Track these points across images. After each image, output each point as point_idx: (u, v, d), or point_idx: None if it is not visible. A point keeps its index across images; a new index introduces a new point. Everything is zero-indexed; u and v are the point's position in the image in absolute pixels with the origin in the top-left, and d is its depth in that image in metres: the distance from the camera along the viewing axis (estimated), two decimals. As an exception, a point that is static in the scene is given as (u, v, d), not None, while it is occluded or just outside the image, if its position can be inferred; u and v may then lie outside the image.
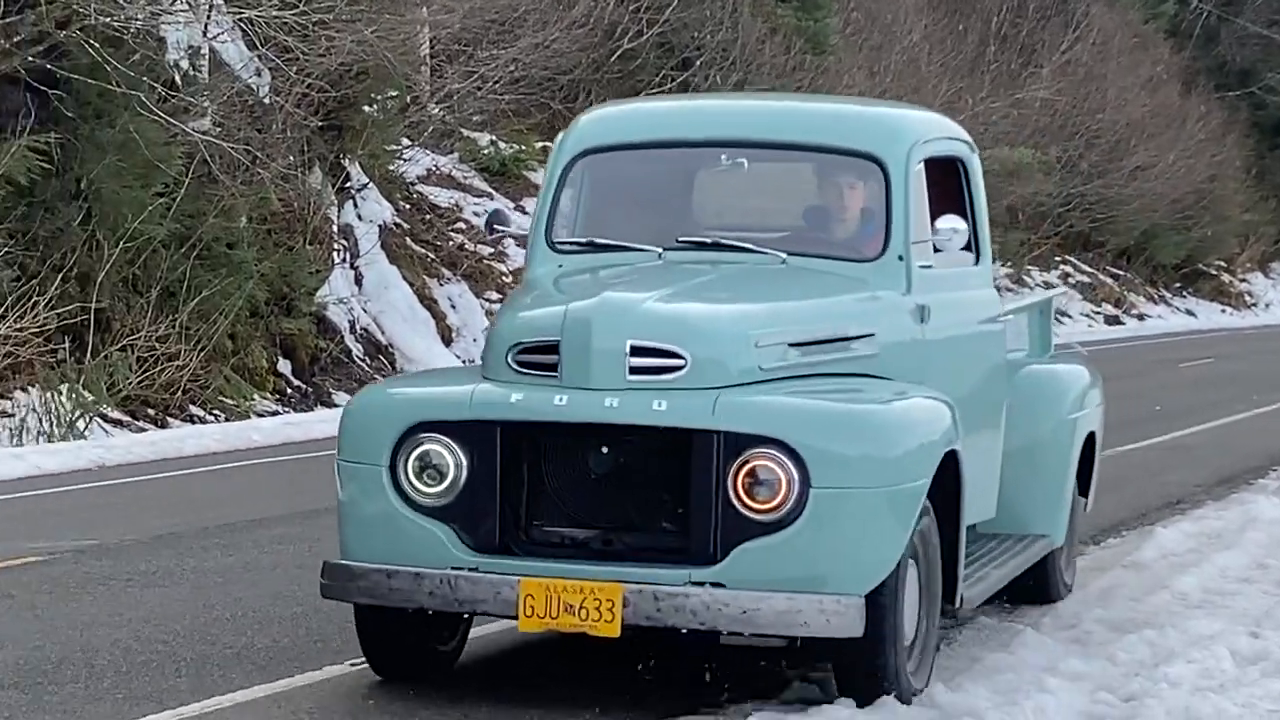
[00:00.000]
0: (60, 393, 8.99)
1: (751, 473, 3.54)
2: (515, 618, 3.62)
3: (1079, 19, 26.25)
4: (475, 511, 3.71)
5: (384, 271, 12.04)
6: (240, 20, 9.83)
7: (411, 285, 12.37)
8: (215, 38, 9.92)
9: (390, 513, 3.74)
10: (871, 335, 4.10)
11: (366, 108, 11.61)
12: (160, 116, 8.96)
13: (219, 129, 9.42)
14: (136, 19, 9.07)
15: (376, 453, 3.74)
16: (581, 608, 3.54)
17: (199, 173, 9.46)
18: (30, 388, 9.14)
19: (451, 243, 13.98)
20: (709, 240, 4.45)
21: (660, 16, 15.51)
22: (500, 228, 5.50)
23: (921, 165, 4.38)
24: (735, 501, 3.55)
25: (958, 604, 4.09)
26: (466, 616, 3.90)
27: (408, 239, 13.16)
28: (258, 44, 9.96)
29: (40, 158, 8.74)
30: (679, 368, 3.67)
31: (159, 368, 9.67)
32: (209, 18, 9.87)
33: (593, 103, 11.57)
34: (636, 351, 3.65)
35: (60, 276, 9.12)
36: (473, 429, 3.69)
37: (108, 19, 8.78)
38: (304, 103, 10.48)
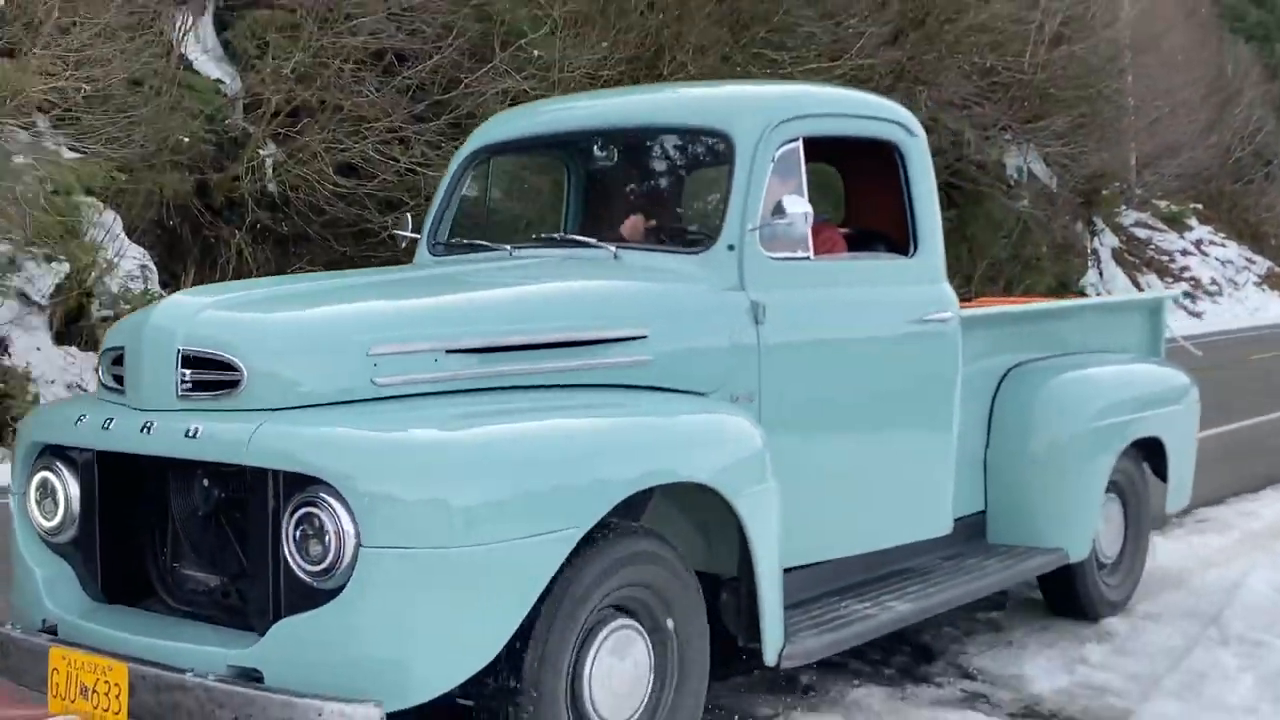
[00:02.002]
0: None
1: (305, 522, 2.67)
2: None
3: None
4: (86, 551, 3.08)
5: (1112, 273, 21.63)
6: (1045, 152, 19.83)
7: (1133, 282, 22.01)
8: (1028, 162, 20.15)
9: (19, 551, 3.15)
10: (642, 338, 3.27)
11: (1104, 190, 21.61)
12: (1005, 201, 19.21)
13: (1032, 205, 19.54)
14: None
15: (18, 478, 3.19)
16: (94, 691, 2.74)
17: (1023, 228, 19.56)
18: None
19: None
20: (557, 236, 4.10)
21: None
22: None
23: (793, 146, 3.63)
24: (291, 561, 2.69)
25: (774, 662, 3.26)
26: None
27: (1125, 254, 22.83)
28: (1045, 163, 20.02)
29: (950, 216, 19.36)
30: (235, 383, 2.81)
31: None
32: (1028, 149, 19.96)
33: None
34: (189, 362, 2.84)
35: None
36: (75, 453, 3.07)
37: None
38: (1075, 190, 20.33)
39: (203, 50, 10.10)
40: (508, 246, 3.92)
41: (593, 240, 3.81)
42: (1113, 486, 4.86)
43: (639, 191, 4.45)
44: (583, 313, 3.33)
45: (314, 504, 2.68)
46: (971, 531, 4.54)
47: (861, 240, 4.24)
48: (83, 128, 9.48)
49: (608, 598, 2.96)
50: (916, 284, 4.05)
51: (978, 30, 15.43)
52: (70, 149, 9.40)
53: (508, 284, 3.54)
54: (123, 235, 9.46)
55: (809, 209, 3.49)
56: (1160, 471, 5.12)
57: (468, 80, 10.96)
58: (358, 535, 2.62)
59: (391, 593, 2.62)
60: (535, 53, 10.88)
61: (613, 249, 3.73)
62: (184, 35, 9.95)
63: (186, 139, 9.71)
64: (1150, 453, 5.06)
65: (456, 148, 11.45)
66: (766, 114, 3.72)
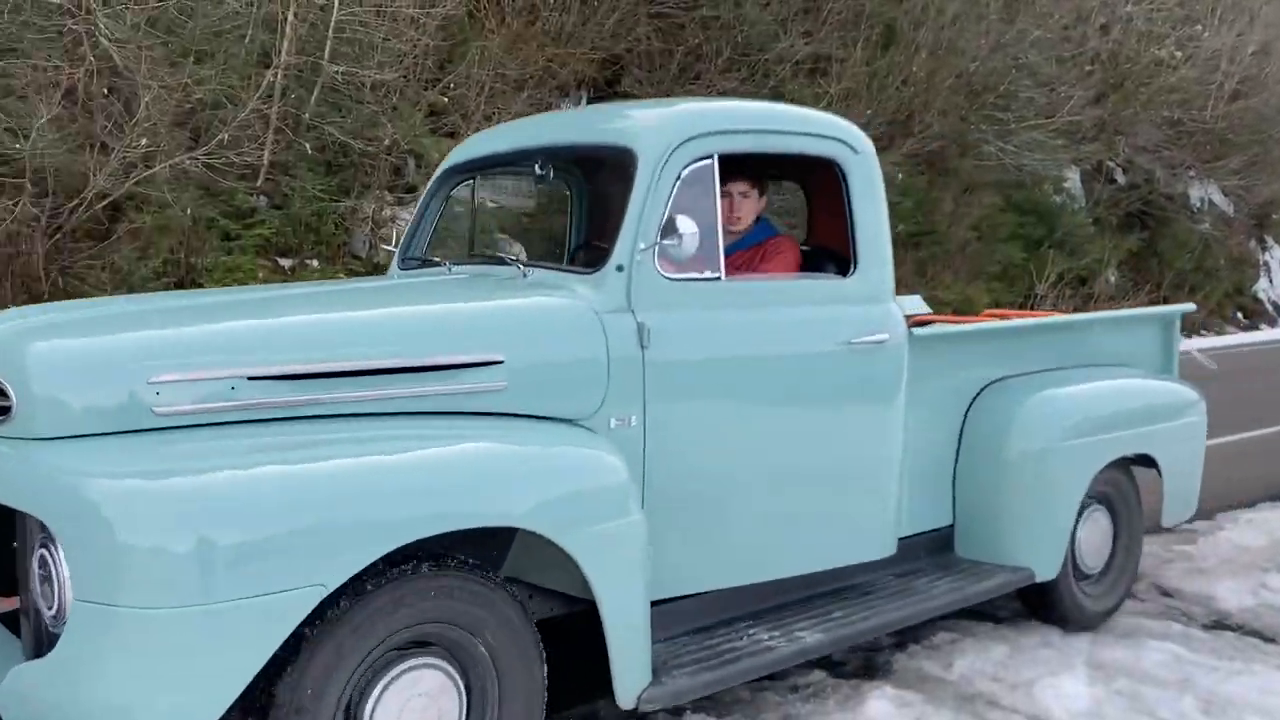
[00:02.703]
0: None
1: (42, 564, 2.57)
2: None
3: None
4: None
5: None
6: (1223, 185, 22.06)
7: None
8: (1209, 193, 22.51)
9: None
10: (495, 363, 3.10)
11: (1274, 215, 23.48)
12: (1189, 224, 21.45)
13: (1212, 227, 21.74)
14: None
15: None
16: None
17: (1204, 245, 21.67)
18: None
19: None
20: (483, 254, 4.13)
21: None
22: None
23: (704, 164, 3.49)
24: (38, 602, 2.61)
25: (631, 706, 3.11)
26: None
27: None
28: (1223, 194, 22.30)
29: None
30: (6, 410, 2.70)
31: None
32: (1208, 183, 22.19)
33: None
34: None
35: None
36: None
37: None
38: (1249, 215, 22.38)
39: (578, 124, 13.60)
40: (448, 263, 3.98)
41: (510, 257, 3.81)
42: (1100, 498, 4.81)
43: (569, 210, 4.50)
44: (424, 337, 3.10)
45: (46, 546, 2.57)
46: (940, 545, 4.47)
47: (815, 258, 4.16)
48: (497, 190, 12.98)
49: (395, 636, 2.75)
50: (851, 304, 3.89)
51: (1168, 90, 18.07)
52: (491, 202, 12.84)
53: (350, 306, 3.31)
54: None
55: (693, 229, 3.33)
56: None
57: (765, 144, 14.25)
58: (71, 584, 2.46)
59: (94, 652, 2.42)
60: (817, 122, 14.10)
61: (522, 268, 3.66)
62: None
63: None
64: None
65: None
66: (672, 131, 3.57)
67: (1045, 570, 4.45)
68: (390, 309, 3.27)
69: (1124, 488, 4.92)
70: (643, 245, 3.45)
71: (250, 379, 2.83)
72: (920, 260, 14.79)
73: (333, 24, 9.94)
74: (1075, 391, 4.66)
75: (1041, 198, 17.05)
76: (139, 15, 8.67)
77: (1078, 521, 4.65)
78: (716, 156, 3.60)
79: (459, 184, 4.44)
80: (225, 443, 2.69)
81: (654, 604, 3.32)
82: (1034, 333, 4.86)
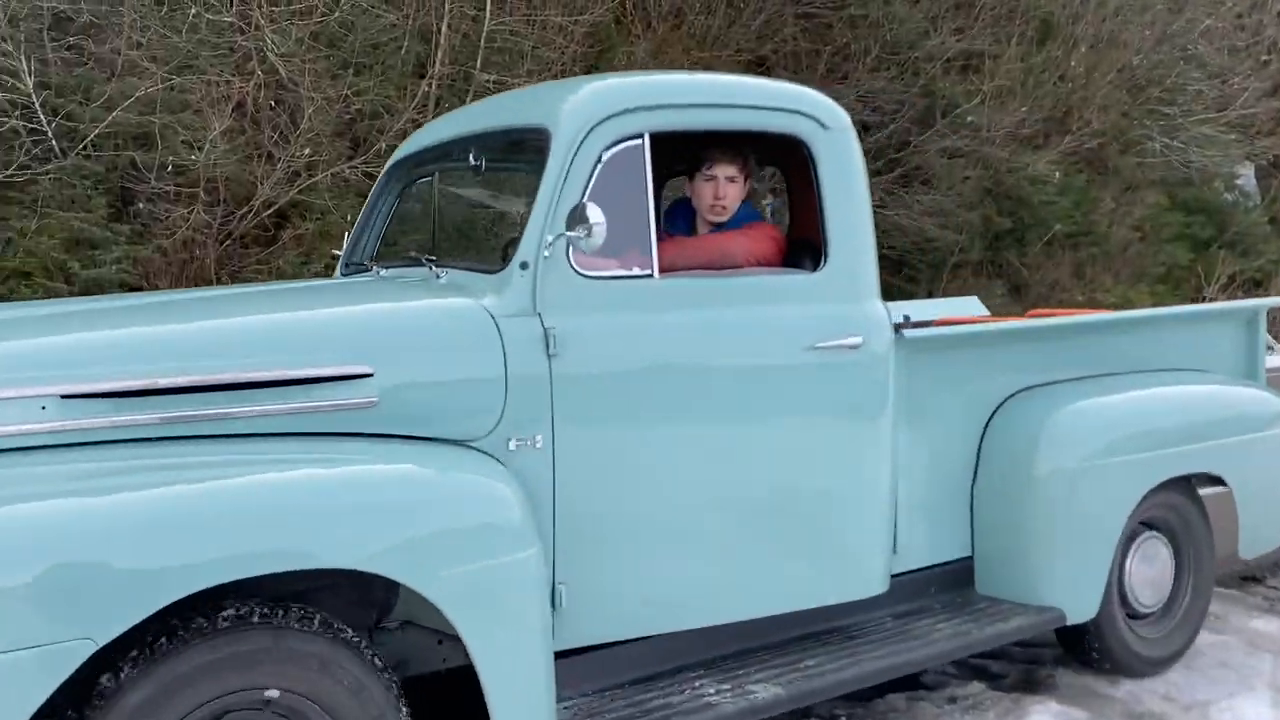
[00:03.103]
0: None
1: None
2: None
3: None
4: None
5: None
6: None
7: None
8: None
9: None
10: (363, 376, 2.79)
11: None
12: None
13: None
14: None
15: None
16: None
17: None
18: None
19: None
20: (413, 253, 3.63)
21: None
22: None
23: (632, 144, 3.10)
24: None
25: None
26: None
27: None
28: None
29: None
30: None
31: None
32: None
33: None
34: None
35: None
36: None
37: None
38: None
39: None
40: (376, 266, 3.67)
41: (426, 258, 3.42)
42: (1156, 524, 4.25)
43: (493, 202, 4.04)
44: (273, 348, 2.76)
45: None
46: (957, 580, 3.99)
47: (797, 251, 3.71)
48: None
49: (200, 710, 2.42)
50: (817, 303, 3.45)
51: (1356, 80, 16.91)
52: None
53: (203, 315, 2.98)
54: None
55: (600, 218, 2.93)
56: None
57: (915, 142, 13.96)
58: None
59: None
60: (969, 119, 13.72)
61: (434, 269, 3.30)
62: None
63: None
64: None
65: (908, 195, 14.55)
66: (590, 107, 3.14)
67: (1080, 610, 3.87)
68: (246, 317, 2.92)
69: (1187, 512, 4.33)
70: (550, 238, 3.05)
71: (64, 398, 2.55)
72: (1079, 262, 14.28)
73: (484, 34, 10.22)
74: (1118, 401, 4.10)
75: (1211, 196, 16.25)
76: (303, 30, 9.10)
77: (1126, 552, 4.10)
78: (648, 135, 3.18)
79: (417, 179, 4.02)
80: (9, 472, 2.40)
81: (582, 651, 2.99)
82: (1071, 333, 4.22)
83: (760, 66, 13.37)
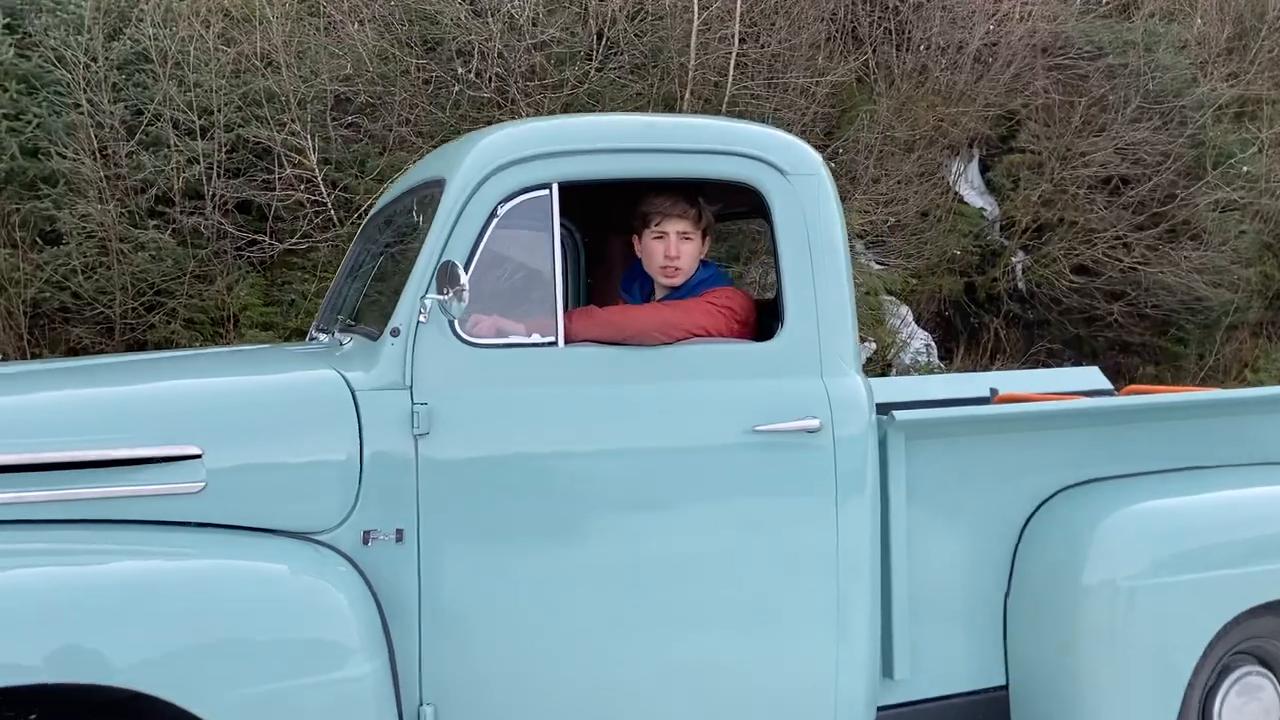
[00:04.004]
0: None
1: None
2: None
3: None
4: None
5: None
6: None
7: None
8: None
9: None
10: (189, 458, 2.48)
11: None
12: None
13: None
14: None
15: None
16: None
17: None
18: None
19: None
20: (346, 320, 3.34)
21: None
22: None
23: (535, 196, 2.76)
24: None
25: None
26: None
27: None
28: None
29: None
30: None
31: None
32: None
33: None
34: None
35: None
36: None
37: None
38: None
39: (970, 187, 13.34)
40: (335, 331, 3.33)
41: (347, 322, 3.20)
42: (1256, 656, 3.46)
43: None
44: (92, 426, 2.48)
45: None
46: (989, 713, 3.30)
47: (769, 314, 3.24)
48: (887, 249, 13.03)
49: None
50: (766, 378, 2.94)
51: None
52: (877, 263, 12.98)
53: (31, 389, 2.72)
54: (913, 323, 12.87)
55: (462, 280, 2.61)
56: None
57: (1181, 195, 13.17)
58: None
59: None
60: (1245, 169, 12.83)
61: (338, 336, 3.08)
62: (957, 178, 13.24)
63: (959, 252, 12.92)
64: None
65: (1174, 251, 13.56)
66: (483, 155, 2.81)
67: None
68: (70, 391, 2.62)
69: None
70: (428, 302, 2.67)
71: None
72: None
73: (726, 100, 10.48)
74: (1192, 503, 3.24)
75: None
76: (555, 103, 9.62)
77: (1216, 688, 3.28)
78: (556, 186, 2.80)
79: (377, 238, 3.65)
80: None
81: None
82: (1141, 417, 3.32)
83: (1009, 120, 13.04)
